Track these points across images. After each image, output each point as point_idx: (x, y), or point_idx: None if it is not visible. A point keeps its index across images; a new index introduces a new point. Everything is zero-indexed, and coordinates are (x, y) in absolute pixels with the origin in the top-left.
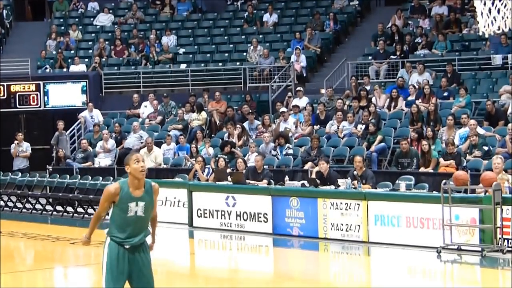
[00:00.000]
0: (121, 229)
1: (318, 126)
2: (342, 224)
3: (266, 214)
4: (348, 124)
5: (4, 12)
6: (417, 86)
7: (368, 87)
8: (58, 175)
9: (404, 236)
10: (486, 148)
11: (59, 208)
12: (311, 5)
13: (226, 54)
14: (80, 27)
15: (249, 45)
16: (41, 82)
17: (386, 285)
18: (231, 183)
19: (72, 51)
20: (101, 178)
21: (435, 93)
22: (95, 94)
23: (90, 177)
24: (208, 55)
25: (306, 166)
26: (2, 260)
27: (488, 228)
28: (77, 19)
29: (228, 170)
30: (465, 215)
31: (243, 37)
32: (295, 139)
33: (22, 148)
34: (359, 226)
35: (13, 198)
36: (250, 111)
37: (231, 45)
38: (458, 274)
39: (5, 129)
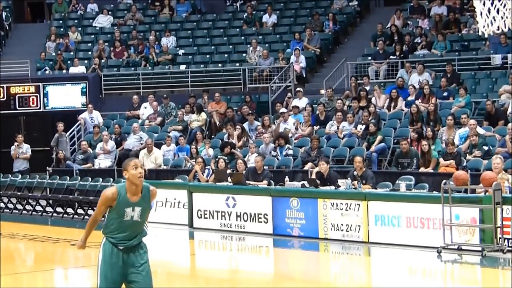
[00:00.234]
0: (117, 232)
1: (318, 126)
2: (342, 225)
3: (266, 215)
4: (348, 124)
5: (4, 14)
6: (418, 86)
7: (367, 88)
8: (58, 177)
9: (404, 236)
10: (486, 148)
11: (59, 209)
12: (310, 5)
13: (226, 55)
14: (80, 28)
15: (248, 46)
16: (40, 84)
17: (386, 285)
18: (231, 184)
19: (72, 53)
20: (101, 179)
21: (435, 93)
22: (94, 95)
23: (90, 179)
24: (207, 56)
25: (306, 167)
26: (3, 261)
27: (488, 228)
28: (76, 21)
29: (228, 171)
30: (465, 215)
31: (242, 38)
32: (295, 139)
33: (22, 149)
34: (359, 226)
35: (13, 200)
36: (250, 112)
37: (230, 46)
38: (458, 274)
39: (5, 131)
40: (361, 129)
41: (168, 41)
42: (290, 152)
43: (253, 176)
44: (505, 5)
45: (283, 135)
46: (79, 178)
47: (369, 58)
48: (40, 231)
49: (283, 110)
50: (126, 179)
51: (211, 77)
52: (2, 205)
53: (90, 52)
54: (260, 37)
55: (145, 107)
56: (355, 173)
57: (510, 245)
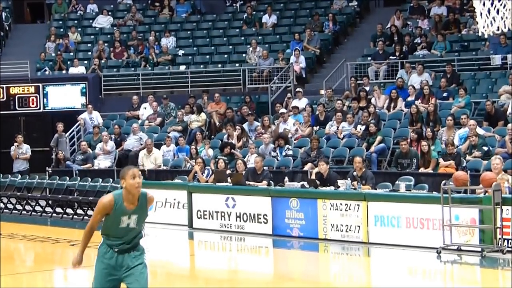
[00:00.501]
0: (112, 237)
1: (318, 127)
2: (342, 225)
3: (266, 215)
4: (348, 125)
5: (3, 14)
6: (419, 87)
7: (367, 88)
8: (57, 177)
9: (404, 236)
10: (485, 148)
11: (58, 210)
12: (310, 6)
13: (226, 56)
14: (79, 29)
15: (248, 46)
16: (40, 84)
17: (386, 286)
18: (231, 184)
19: (71, 53)
20: (100, 180)
21: (435, 93)
22: (94, 96)
23: (89, 179)
24: (207, 56)
25: (306, 167)
26: (2, 262)
27: (488, 228)
28: (76, 21)
29: (228, 171)
30: (465, 216)
31: (242, 38)
32: (294, 140)
33: (22, 150)
34: (359, 226)
35: (13, 200)
36: (250, 112)
37: (230, 47)
38: (458, 274)
39: (5, 131)
40: (360, 129)
41: (168, 42)
42: (290, 152)
43: (252, 177)
44: (505, 6)
45: (282, 136)
46: (78, 178)
47: (369, 58)
48: (40, 231)
49: (282, 110)
50: (123, 188)
51: (210, 78)
52: (2, 205)
53: (90, 53)
54: (260, 37)
55: (145, 108)
56: (354, 173)
57: (509, 245)
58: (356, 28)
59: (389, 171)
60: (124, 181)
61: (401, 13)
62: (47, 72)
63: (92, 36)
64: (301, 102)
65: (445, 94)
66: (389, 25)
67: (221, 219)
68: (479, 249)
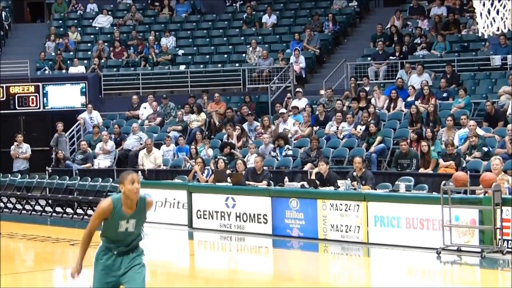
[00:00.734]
0: (111, 241)
1: (318, 127)
2: (341, 225)
3: (266, 215)
4: (348, 125)
5: (3, 13)
6: (419, 87)
7: (367, 88)
8: (57, 177)
9: (403, 237)
10: (485, 149)
11: (58, 209)
12: (310, 6)
13: (225, 55)
14: (79, 28)
15: (248, 46)
16: (40, 84)
17: (386, 286)
18: (231, 184)
19: (71, 53)
20: (100, 179)
21: (435, 94)
22: (94, 95)
23: (89, 179)
24: (207, 56)
25: (306, 167)
26: (2, 261)
27: (487, 229)
28: (76, 21)
29: (228, 171)
30: (465, 216)
31: (242, 38)
32: (294, 140)
33: (22, 149)
34: (359, 227)
35: (13, 200)
36: (250, 112)
37: (230, 47)
38: (458, 275)
39: (5, 130)
40: (360, 129)
41: (168, 41)
42: (290, 152)
43: (252, 177)
44: (505, 6)
45: (282, 136)
46: (78, 178)
47: (369, 58)
48: (40, 231)
49: (282, 110)
50: (121, 193)
51: (210, 78)
52: (2, 204)
53: (89, 52)
54: (259, 37)
55: (145, 107)
56: (354, 173)
57: (509, 246)
58: (356, 28)
59: (389, 171)
60: (123, 186)
61: (401, 13)
62: (47, 72)
63: (92, 36)
64: (301, 102)
65: (445, 95)
66: (389, 25)
67: (221, 219)
68: (479, 250)
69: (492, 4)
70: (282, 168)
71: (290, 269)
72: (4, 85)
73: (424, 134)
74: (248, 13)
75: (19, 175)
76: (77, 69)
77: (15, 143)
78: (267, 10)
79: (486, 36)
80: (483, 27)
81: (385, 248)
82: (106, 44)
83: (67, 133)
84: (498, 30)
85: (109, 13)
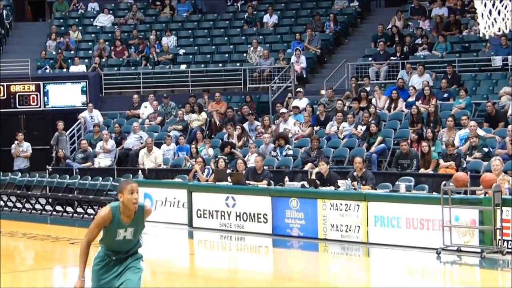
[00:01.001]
0: (109, 249)
1: (318, 127)
2: (342, 225)
3: (266, 215)
4: (348, 125)
5: (4, 12)
6: (421, 87)
7: (368, 88)
8: (57, 175)
9: (403, 237)
10: (486, 149)
11: (58, 208)
12: (311, 6)
13: (226, 55)
14: (80, 27)
15: (249, 46)
16: (41, 83)
17: (385, 286)
18: (231, 183)
19: (72, 52)
20: (100, 178)
21: (435, 94)
22: (95, 94)
23: (89, 178)
24: (208, 56)
25: (306, 167)
26: (2, 260)
27: (487, 229)
28: (77, 20)
29: (228, 171)
30: (465, 217)
31: (243, 38)
32: (295, 140)
33: (22, 148)
34: (359, 227)
35: (13, 198)
36: (250, 112)
37: (231, 46)
38: (457, 275)
39: (5, 129)
40: (361, 129)
41: (169, 41)
42: (290, 152)
43: (253, 176)
44: (506, 7)
45: (283, 135)
46: (78, 177)
47: (370, 59)
48: (40, 229)
49: (283, 110)
50: (120, 201)
51: (211, 77)
52: (2, 203)
53: (90, 51)
54: (260, 37)
55: (145, 107)
56: (355, 173)
57: (509, 247)
58: (357, 29)
59: (389, 171)
60: (122, 196)
61: (402, 13)
62: (47, 71)
63: (93, 35)
64: (302, 102)
65: (445, 95)
66: (390, 26)
67: (221, 219)
68: (479, 250)
69: (493, 5)
70: (283, 168)
71: (290, 269)
72: (5, 84)
73: (424, 135)
74: (249, 13)
75: (19, 174)
76: (78, 68)
77: (16, 142)
78: (268, 10)
79: (487, 37)
80: (484, 28)
81: (385, 248)
82: (107, 43)
83: (68, 132)
84: (499, 30)
85: (110, 12)
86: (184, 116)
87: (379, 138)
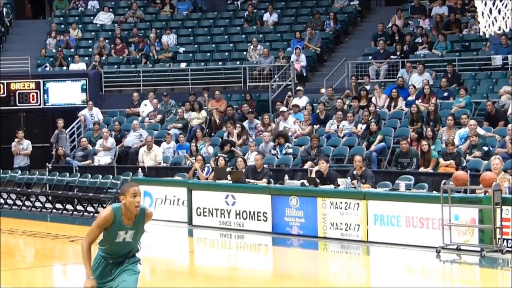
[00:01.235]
0: (108, 251)
1: (318, 125)
2: (341, 224)
3: (266, 213)
4: (348, 123)
5: (4, 10)
6: (421, 86)
7: (368, 87)
8: (57, 173)
9: (403, 235)
10: (486, 148)
11: (58, 206)
12: (311, 4)
13: (226, 53)
14: (80, 25)
15: (249, 44)
16: (41, 80)
17: (385, 285)
18: (231, 182)
19: (72, 50)
20: (100, 176)
21: (435, 93)
22: (95, 92)
23: (89, 175)
24: (208, 54)
25: (306, 166)
26: (2, 257)
27: (487, 228)
28: (77, 18)
29: (228, 169)
30: (465, 215)
31: (243, 36)
32: (295, 138)
33: (23, 146)
34: (359, 225)
35: (13, 196)
36: (250, 110)
37: (231, 44)
38: (457, 274)
39: (5, 127)
40: (361, 128)
41: (169, 39)
42: (290, 150)
43: (252, 175)
44: (506, 6)
45: (283, 134)
46: (78, 174)
47: (370, 57)
48: (39, 227)
49: (283, 108)
50: (122, 203)
51: (211, 75)
52: (2, 201)
53: (90, 49)
54: (260, 35)
55: (145, 105)
56: (354, 172)
57: (509, 245)
58: (357, 27)
59: (389, 170)
60: (124, 198)
61: (402, 12)
62: (47, 68)
63: (93, 33)
64: (302, 101)
65: (445, 94)
66: (390, 25)
67: (221, 217)
68: (479, 249)
69: (493, 4)
70: (282, 166)
71: (289, 267)
72: (4, 82)
73: (424, 133)
74: (249, 11)
75: (19, 171)
76: (78, 66)
77: (16, 140)
78: (268, 8)
79: (487, 36)
80: (485, 27)
81: (384, 246)
82: (107, 41)
83: (68, 129)
84: (499, 29)
85: (110, 10)
86: (184, 114)
87: (379, 137)
